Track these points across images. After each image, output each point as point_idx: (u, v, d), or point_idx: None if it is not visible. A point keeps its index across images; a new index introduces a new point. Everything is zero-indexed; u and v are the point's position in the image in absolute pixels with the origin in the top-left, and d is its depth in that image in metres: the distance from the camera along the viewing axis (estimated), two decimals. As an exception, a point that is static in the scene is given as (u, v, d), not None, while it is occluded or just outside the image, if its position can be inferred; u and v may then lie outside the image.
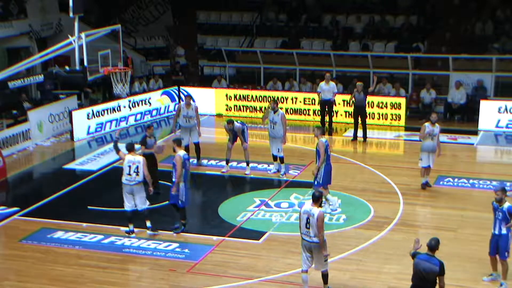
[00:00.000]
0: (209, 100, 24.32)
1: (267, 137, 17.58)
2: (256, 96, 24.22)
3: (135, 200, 13.71)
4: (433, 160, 16.19)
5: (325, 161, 14.42)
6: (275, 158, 17.48)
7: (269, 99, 23.87)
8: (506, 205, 11.32)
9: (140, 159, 13.70)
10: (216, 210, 15.27)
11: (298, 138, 21.27)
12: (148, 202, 13.94)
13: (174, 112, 24.47)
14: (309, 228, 10.85)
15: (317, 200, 11.00)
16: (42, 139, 21.09)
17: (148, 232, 13.86)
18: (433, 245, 9.61)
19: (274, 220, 14.62)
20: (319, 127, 15.26)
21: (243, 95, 24.40)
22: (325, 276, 11.25)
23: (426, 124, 16.17)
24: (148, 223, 13.89)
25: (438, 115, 17.58)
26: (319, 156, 14.40)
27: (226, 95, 24.52)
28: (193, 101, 18.24)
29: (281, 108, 18.03)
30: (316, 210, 10.85)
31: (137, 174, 13.55)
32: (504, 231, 11.38)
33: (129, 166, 13.60)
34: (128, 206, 13.77)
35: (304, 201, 15.08)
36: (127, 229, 13.91)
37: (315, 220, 10.75)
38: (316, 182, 14.55)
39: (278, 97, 22.70)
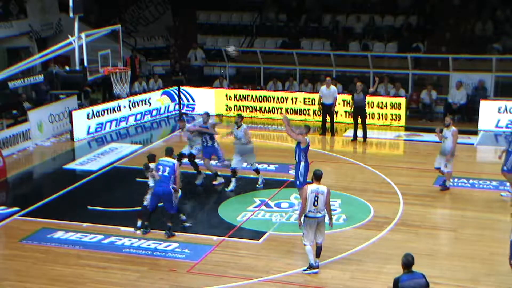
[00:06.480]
0: (209, 100, 24.34)
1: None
2: (256, 96, 24.24)
3: None
4: (443, 163, 16.04)
5: (304, 160, 14.52)
6: (257, 171, 16.73)
7: (269, 99, 24.03)
8: None
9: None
10: (216, 210, 15.27)
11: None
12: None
13: (174, 112, 24.58)
14: (316, 206, 11.69)
15: (320, 177, 11.91)
16: (42, 139, 21.08)
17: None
18: (411, 262, 9.12)
19: (274, 220, 14.61)
20: (306, 126, 15.21)
21: (243, 95, 24.40)
22: (320, 249, 12.07)
23: (440, 128, 16.30)
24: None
25: (438, 114, 17.49)
26: (298, 155, 14.57)
27: (226, 95, 24.51)
28: (184, 121, 17.30)
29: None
30: (324, 188, 11.78)
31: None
32: None
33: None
34: None
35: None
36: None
37: (324, 197, 11.70)
38: (298, 182, 14.51)
39: (277, 97, 22.59)
